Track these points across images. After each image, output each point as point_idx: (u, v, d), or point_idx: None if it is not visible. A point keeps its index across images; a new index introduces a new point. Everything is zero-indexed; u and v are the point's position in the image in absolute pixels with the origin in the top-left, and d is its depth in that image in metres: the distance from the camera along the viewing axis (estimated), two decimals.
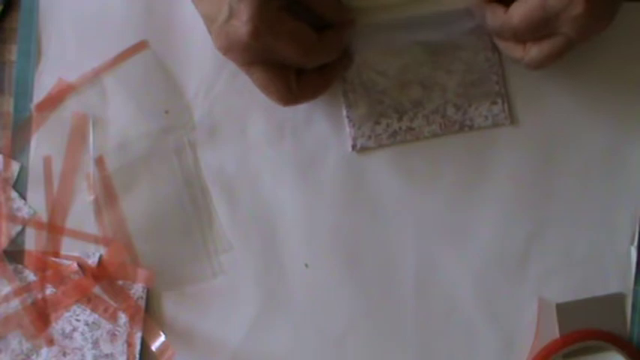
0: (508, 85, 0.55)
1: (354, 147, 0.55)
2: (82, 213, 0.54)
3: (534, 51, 0.49)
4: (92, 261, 0.54)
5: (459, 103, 0.55)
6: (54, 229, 0.54)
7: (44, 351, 0.54)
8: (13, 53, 0.55)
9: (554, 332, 0.53)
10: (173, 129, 0.55)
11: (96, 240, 0.54)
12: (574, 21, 0.47)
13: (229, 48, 0.47)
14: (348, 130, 0.55)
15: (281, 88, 0.49)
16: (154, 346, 0.54)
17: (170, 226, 0.55)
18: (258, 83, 0.49)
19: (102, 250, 0.54)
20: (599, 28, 0.48)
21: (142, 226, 0.54)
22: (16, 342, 0.54)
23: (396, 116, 0.55)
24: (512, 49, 0.51)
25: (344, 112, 0.55)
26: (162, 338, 0.54)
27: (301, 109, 0.55)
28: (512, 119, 0.55)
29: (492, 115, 0.55)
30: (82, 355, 0.54)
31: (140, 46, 0.55)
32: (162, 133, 0.55)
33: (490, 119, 0.55)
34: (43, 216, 0.54)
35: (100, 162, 0.54)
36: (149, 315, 0.54)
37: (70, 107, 0.55)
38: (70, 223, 0.54)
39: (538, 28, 0.48)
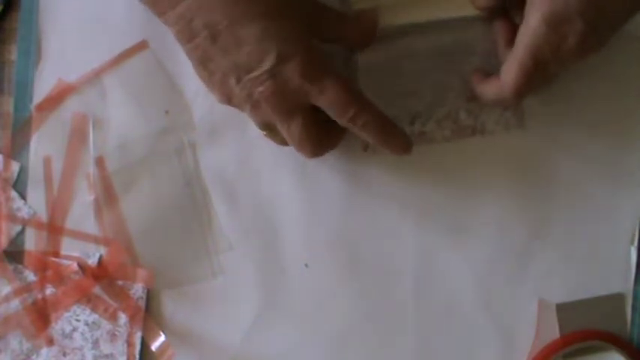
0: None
1: (365, 149, 0.55)
2: (82, 213, 0.54)
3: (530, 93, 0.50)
4: (92, 261, 0.54)
5: (470, 108, 0.55)
6: (54, 229, 0.54)
7: (44, 351, 0.54)
8: (13, 53, 0.55)
9: (554, 332, 0.53)
10: (173, 129, 0.55)
11: (96, 240, 0.54)
12: (564, 62, 0.47)
13: (275, 94, 0.46)
14: None
15: (316, 138, 0.48)
16: (154, 346, 0.54)
17: (170, 226, 0.55)
18: (298, 131, 0.48)
19: (102, 251, 0.54)
20: (590, 55, 0.48)
21: (141, 226, 0.54)
22: (16, 342, 0.54)
23: (408, 120, 0.55)
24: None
25: None
26: (162, 338, 0.54)
27: None
28: (523, 123, 0.55)
29: (504, 119, 0.54)
30: (82, 355, 0.54)
31: (140, 46, 0.55)
32: (163, 134, 0.55)
33: (502, 124, 0.55)
34: (43, 216, 0.54)
35: (100, 162, 0.54)
36: (149, 315, 0.54)
37: (70, 107, 0.55)
38: (70, 223, 0.54)
39: (534, 80, 0.48)
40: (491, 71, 0.52)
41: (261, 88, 0.46)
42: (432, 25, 0.53)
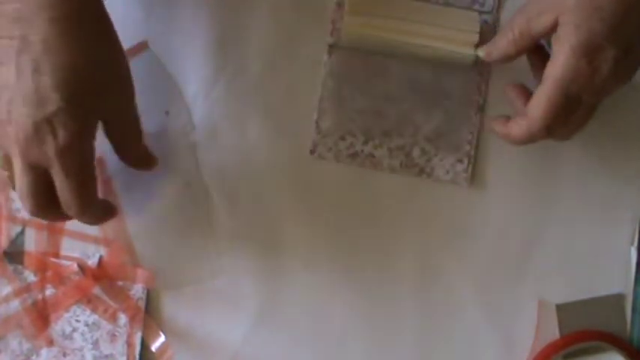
0: (479, 149, 0.55)
1: (312, 152, 0.55)
2: None
3: (562, 132, 0.48)
4: (92, 262, 0.54)
5: (426, 148, 0.54)
6: (54, 229, 0.54)
7: (44, 351, 0.54)
8: None
9: (554, 333, 0.53)
10: (173, 130, 0.55)
11: (96, 241, 0.54)
12: (600, 92, 0.46)
13: (27, 141, 0.43)
14: (313, 134, 0.55)
15: (40, 203, 0.45)
16: (154, 347, 0.54)
17: (170, 226, 0.54)
18: (25, 186, 0.45)
19: (102, 251, 0.54)
20: (625, 82, 0.47)
21: (142, 226, 0.54)
22: (16, 342, 0.54)
23: (362, 139, 0.54)
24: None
25: (314, 117, 0.55)
26: (161, 338, 0.54)
27: (300, 109, 0.55)
28: (472, 182, 0.55)
29: (454, 172, 0.54)
30: (82, 356, 0.54)
31: (140, 47, 0.54)
32: (163, 134, 0.55)
33: (450, 175, 0.54)
34: None
35: (99, 163, 0.54)
36: (149, 315, 0.54)
37: None
38: (70, 223, 0.54)
39: (564, 114, 0.46)
40: (460, 118, 0.53)
41: (18, 129, 0.43)
42: (418, 56, 0.53)
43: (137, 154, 0.51)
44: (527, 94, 0.49)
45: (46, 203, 0.45)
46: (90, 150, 0.45)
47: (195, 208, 0.55)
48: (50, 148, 0.43)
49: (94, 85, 0.44)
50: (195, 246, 0.54)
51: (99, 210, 0.48)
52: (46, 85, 0.42)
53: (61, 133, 0.43)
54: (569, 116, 0.47)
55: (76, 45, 0.43)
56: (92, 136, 0.45)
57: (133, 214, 0.54)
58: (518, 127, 0.48)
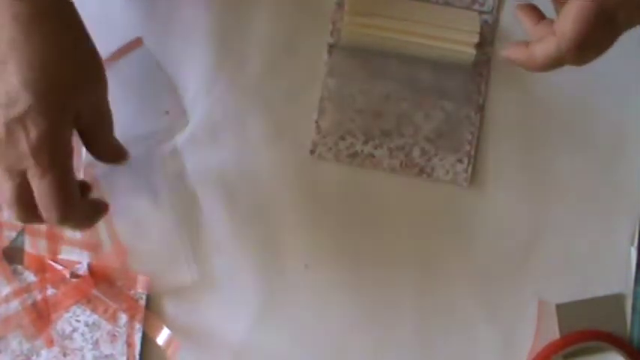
0: (479, 149, 0.55)
1: (312, 152, 0.55)
2: None
3: (589, 55, 0.42)
4: (91, 262, 0.54)
5: (426, 148, 0.54)
6: (53, 235, 0.54)
7: (44, 351, 0.54)
8: None
9: (554, 333, 0.53)
10: (173, 129, 0.55)
11: (88, 246, 0.54)
12: (637, 9, 0.40)
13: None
14: (312, 134, 0.55)
15: (26, 206, 0.43)
16: (160, 340, 0.53)
17: (157, 229, 0.54)
18: (8, 194, 0.43)
19: (98, 254, 0.54)
20: None
21: (134, 229, 0.54)
22: (16, 342, 0.54)
23: (362, 139, 0.54)
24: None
25: (314, 117, 0.55)
26: (166, 331, 0.53)
27: (301, 109, 0.55)
28: (472, 182, 0.55)
29: (454, 172, 0.54)
30: (82, 356, 0.54)
31: (135, 44, 0.54)
32: (162, 134, 0.54)
33: (450, 175, 0.54)
34: None
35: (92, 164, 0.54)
36: (150, 312, 0.54)
37: None
38: None
39: (598, 32, 0.40)
40: (460, 118, 0.54)
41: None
42: (418, 57, 0.54)
43: (109, 147, 0.49)
44: (539, 14, 0.44)
45: (32, 210, 0.43)
46: (65, 147, 0.43)
47: (192, 210, 0.54)
48: (24, 148, 0.41)
49: (64, 79, 0.42)
50: (190, 248, 0.54)
51: (82, 212, 0.45)
52: (14, 84, 0.41)
53: (33, 131, 0.41)
54: (603, 35, 0.40)
55: (41, 41, 0.41)
56: (67, 132, 0.43)
57: (121, 218, 0.54)
58: (544, 48, 0.41)
